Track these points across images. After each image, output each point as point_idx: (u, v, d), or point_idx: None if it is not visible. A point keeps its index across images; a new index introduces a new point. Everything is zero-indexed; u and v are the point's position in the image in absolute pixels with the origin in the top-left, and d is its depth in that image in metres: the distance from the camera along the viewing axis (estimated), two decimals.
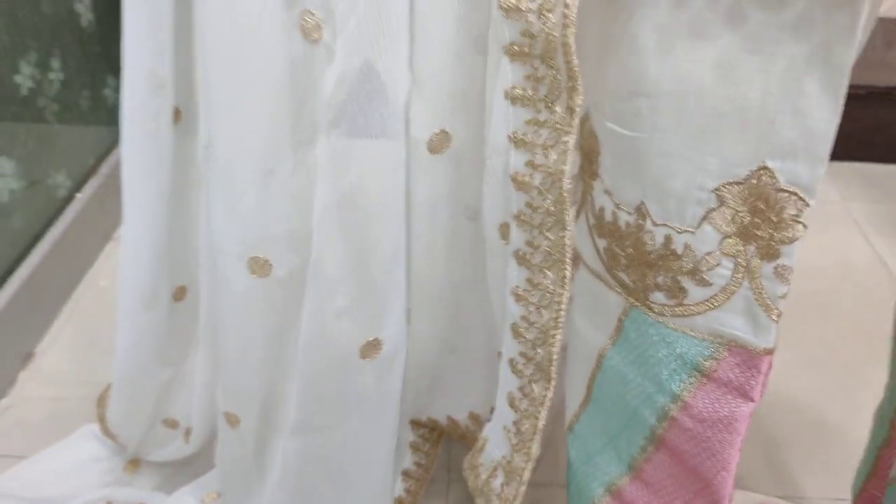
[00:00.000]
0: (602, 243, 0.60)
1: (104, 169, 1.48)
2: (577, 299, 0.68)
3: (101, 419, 0.96)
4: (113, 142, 1.52)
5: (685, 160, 0.51)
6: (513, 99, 0.55)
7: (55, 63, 1.33)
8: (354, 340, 0.67)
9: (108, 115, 1.50)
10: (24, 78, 1.24)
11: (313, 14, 0.55)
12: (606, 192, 0.58)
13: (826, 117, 0.47)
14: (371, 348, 0.67)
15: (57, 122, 1.34)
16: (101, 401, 0.98)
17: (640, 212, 0.55)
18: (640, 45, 0.50)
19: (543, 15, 0.49)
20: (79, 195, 1.42)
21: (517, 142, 0.56)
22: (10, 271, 1.23)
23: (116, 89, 1.51)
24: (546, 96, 0.53)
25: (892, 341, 0.80)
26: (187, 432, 0.93)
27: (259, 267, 0.66)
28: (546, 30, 0.50)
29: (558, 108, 0.53)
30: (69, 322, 1.31)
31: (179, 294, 0.85)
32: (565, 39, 0.49)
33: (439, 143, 0.63)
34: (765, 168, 0.49)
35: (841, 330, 1.32)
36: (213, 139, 0.62)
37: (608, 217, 0.58)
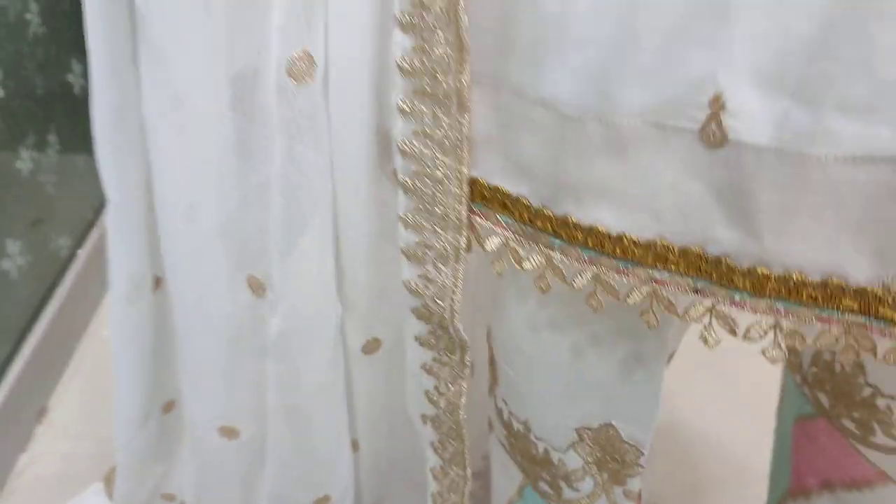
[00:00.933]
0: (503, 432, 0.74)
1: (103, 220, 1.59)
2: (493, 450, 0.81)
3: (109, 495, 1.12)
4: None
5: (553, 406, 0.64)
6: (420, 342, 0.67)
7: (52, 139, 1.41)
8: (308, 499, 0.81)
9: None
10: (24, 161, 1.33)
11: (257, 278, 0.67)
12: (503, 399, 0.71)
13: (650, 407, 0.60)
14: (323, 500, 0.82)
15: (56, 192, 1.44)
16: (108, 481, 1.13)
17: (526, 426, 0.68)
18: (515, 325, 0.62)
19: (436, 301, 0.62)
20: (80, 251, 1.53)
21: (428, 370, 0.69)
22: (22, 336, 1.36)
23: None
24: (446, 347, 0.66)
25: (774, 443, 0.93)
26: None
27: (228, 432, 0.80)
28: (439, 311, 0.62)
29: (455, 357, 0.65)
30: (77, 373, 1.45)
31: (168, 407, 0.99)
32: (454, 322, 0.62)
33: (372, 347, 0.76)
34: (610, 424, 0.62)
35: (779, 373, 1.43)
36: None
37: (505, 417, 0.71)
